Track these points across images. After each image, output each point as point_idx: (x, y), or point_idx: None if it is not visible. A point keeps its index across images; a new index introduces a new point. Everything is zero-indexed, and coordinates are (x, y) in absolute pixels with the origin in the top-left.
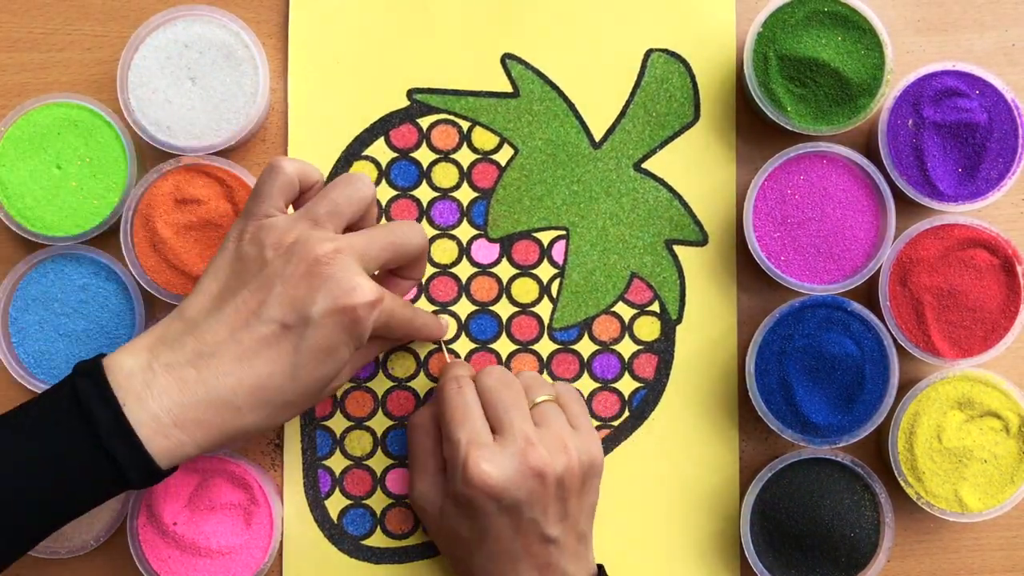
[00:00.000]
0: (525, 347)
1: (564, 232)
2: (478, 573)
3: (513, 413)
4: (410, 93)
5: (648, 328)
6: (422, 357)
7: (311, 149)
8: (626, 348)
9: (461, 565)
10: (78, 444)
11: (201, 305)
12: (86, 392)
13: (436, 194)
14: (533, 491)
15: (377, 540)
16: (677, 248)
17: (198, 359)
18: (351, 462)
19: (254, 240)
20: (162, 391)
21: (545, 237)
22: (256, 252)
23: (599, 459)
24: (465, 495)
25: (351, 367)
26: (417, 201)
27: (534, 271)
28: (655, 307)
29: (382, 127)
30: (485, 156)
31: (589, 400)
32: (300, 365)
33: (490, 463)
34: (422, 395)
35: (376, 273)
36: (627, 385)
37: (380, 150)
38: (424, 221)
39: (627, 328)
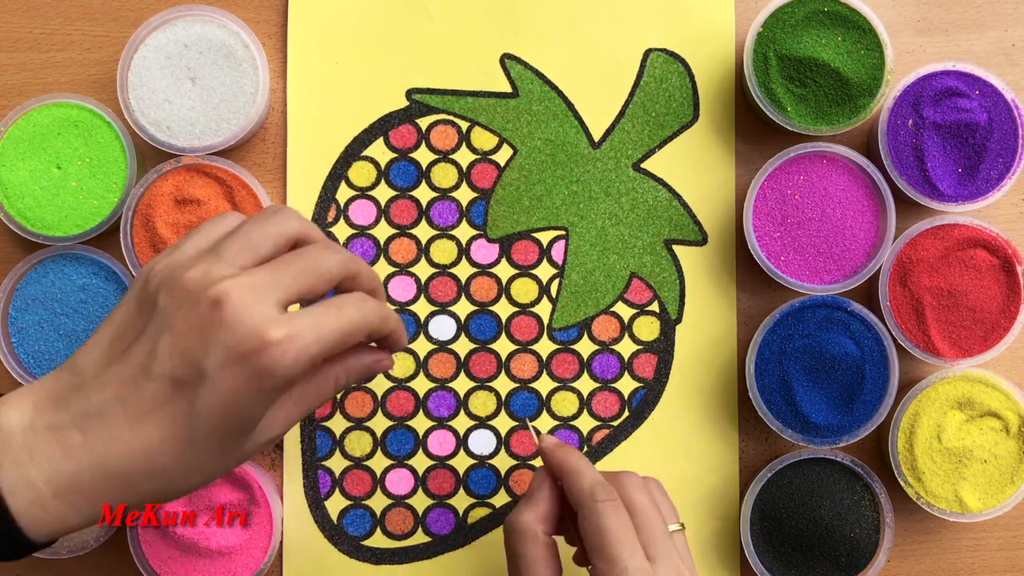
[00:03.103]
0: (525, 347)
1: (563, 232)
2: None
3: (668, 546)
4: (409, 93)
5: (648, 328)
6: (422, 357)
7: (310, 149)
8: (626, 348)
9: None
10: None
11: (92, 357)
12: None
13: (435, 194)
14: None
15: (377, 541)
16: (677, 248)
17: (84, 420)
18: (351, 463)
19: (158, 279)
20: (44, 457)
21: (544, 237)
22: (154, 292)
23: None
24: None
25: (285, 419)
26: (416, 201)
27: (533, 271)
28: (655, 307)
29: (381, 127)
30: (484, 156)
31: (589, 400)
32: (198, 427)
33: None
34: (422, 395)
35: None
36: (627, 385)
37: (379, 150)
38: (424, 221)
39: (627, 328)
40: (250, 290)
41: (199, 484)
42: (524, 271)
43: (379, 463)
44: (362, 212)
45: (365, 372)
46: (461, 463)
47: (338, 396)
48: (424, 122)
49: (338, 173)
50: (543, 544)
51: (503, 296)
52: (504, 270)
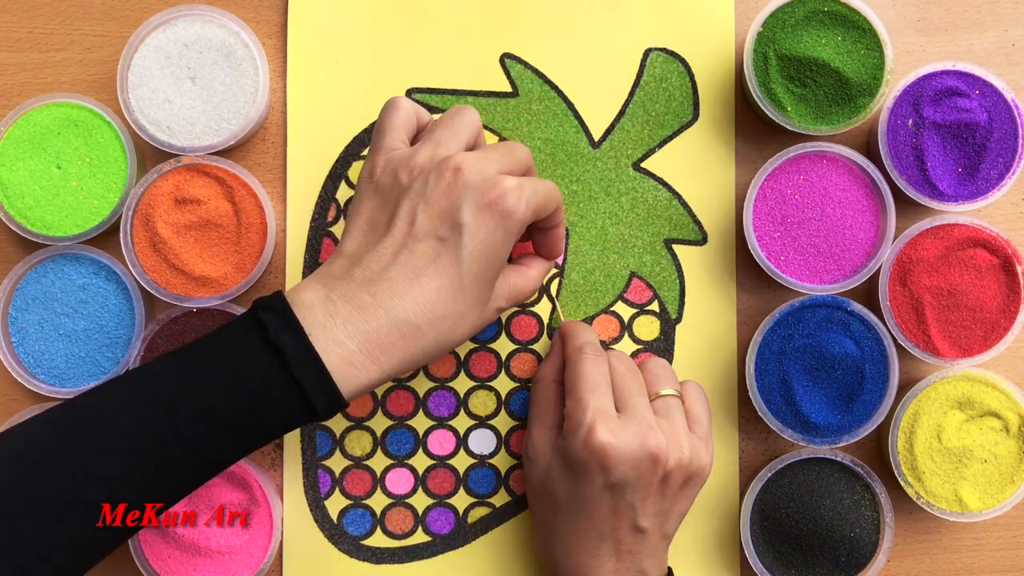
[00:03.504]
0: (525, 347)
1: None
2: (560, 544)
3: (638, 399)
4: (409, 93)
5: (648, 328)
6: None
7: (310, 149)
8: (626, 348)
9: (544, 529)
10: (266, 374)
11: (357, 241)
12: (272, 323)
13: None
14: (642, 475)
15: (377, 540)
16: (676, 247)
17: (371, 285)
18: (351, 462)
19: (387, 171)
20: (345, 319)
21: None
22: (392, 180)
23: (707, 469)
24: (580, 459)
25: (508, 293)
26: None
27: None
28: (655, 306)
29: None
30: None
31: None
32: (465, 273)
33: (614, 435)
34: (422, 395)
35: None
36: None
37: None
38: None
39: (626, 327)
40: (478, 160)
41: (464, 335)
42: None
43: (379, 462)
44: None
45: (547, 269)
46: (461, 462)
47: None
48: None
49: (338, 173)
50: (554, 391)
51: None
52: None
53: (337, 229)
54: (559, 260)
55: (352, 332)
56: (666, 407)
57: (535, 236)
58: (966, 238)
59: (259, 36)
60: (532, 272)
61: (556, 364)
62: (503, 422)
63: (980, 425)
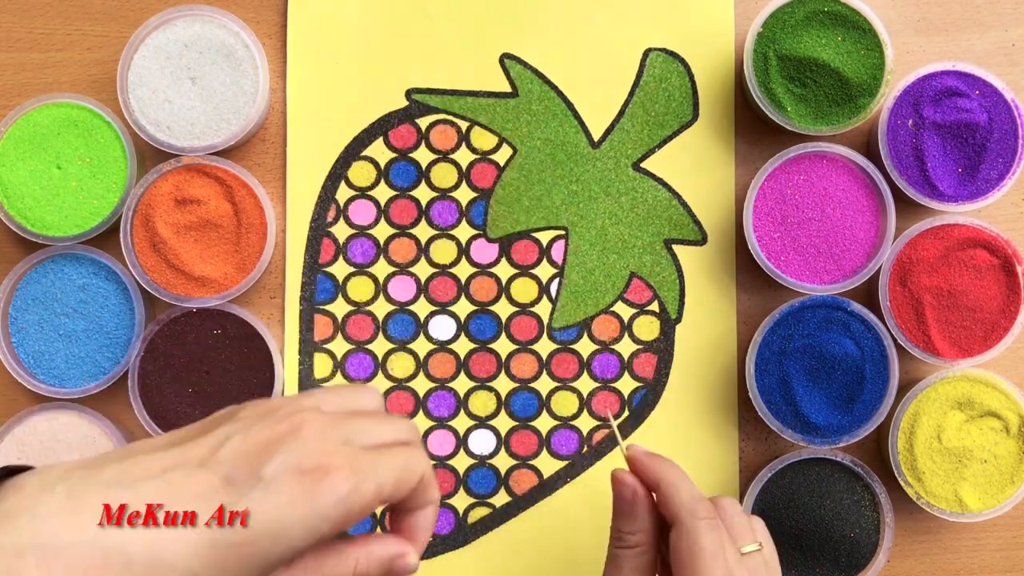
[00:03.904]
0: (524, 347)
1: (563, 232)
2: None
3: (740, 571)
4: (409, 93)
5: (648, 328)
6: (422, 357)
7: (310, 149)
8: (625, 348)
9: None
10: None
11: (154, 443)
12: None
13: (435, 194)
14: None
15: None
16: (676, 247)
17: (108, 490)
18: None
19: (245, 405)
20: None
21: (544, 237)
22: (233, 410)
23: None
24: None
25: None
26: (416, 201)
27: (533, 271)
28: (654, 306)
29: (381, 127)
30: (484, 156)
31: (589, 400)
32: (220, 539)
33: None
34: (422, 395)
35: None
36: (627, 385)
37: (379, 150)
38: (423, 221)
39: (626, 328)
40: (333, 423)
41: None
42: (524, 271)
43: None
44: (362, 212)
45: (387, 563)
46: (461, 463)
47: None
48: (424, 122)
49: (338, 173)
50: (649, 560)
51: (503, 296)
52: (504, 270)
53: (337, 229)
54: (559, 260)
55: (49, 540)
56: (754, 572)
57: (393, 517)
58: (966, 238)
59: (259, 36)
60: (348, 557)
61: (647, 526)
62: (503, 422)
63: (980, 425)
